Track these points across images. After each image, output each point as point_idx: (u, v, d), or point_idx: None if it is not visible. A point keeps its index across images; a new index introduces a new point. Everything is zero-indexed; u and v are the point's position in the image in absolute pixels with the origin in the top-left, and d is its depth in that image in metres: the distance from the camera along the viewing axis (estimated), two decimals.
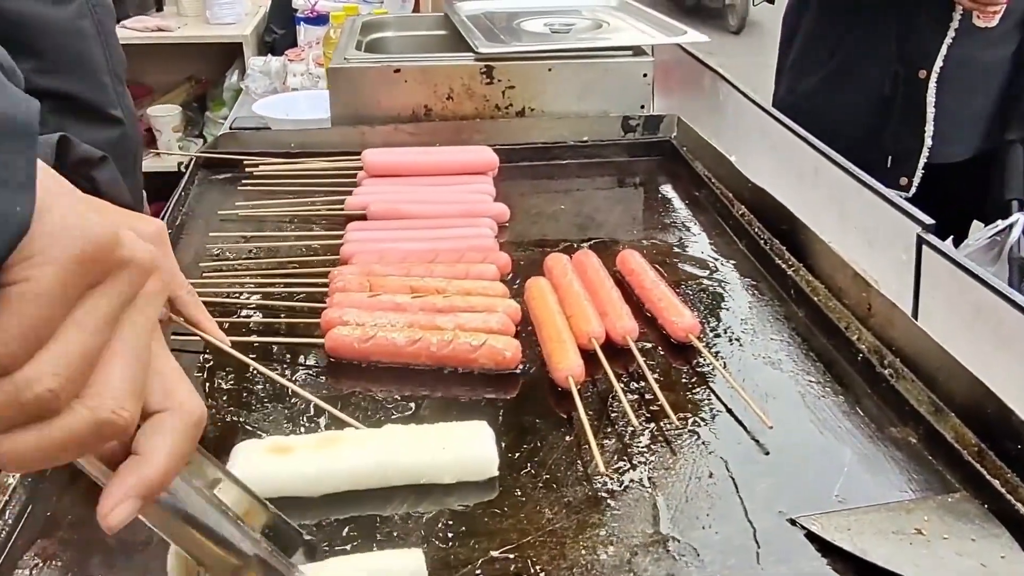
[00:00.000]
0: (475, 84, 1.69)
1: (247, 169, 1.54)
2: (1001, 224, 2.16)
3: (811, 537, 0.78)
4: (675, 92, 1.94)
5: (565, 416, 0.97)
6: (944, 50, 2.03)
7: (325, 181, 1.50)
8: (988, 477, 0.81)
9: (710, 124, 1.70)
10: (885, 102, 2.12)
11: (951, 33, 2.03)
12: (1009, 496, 0.78)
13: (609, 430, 0.94)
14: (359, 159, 1.51)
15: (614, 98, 1.71)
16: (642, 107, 1.73)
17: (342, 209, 1.41)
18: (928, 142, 2.10)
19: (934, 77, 2.05)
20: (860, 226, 1.23)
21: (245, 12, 3.75)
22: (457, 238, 1.30)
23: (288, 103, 2.54)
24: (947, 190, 2.12)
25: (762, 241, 1.29)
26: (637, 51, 1.74)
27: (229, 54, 3.79)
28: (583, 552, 0.77)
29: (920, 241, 1.08)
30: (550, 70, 1.70)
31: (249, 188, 1.51)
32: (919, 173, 2.13)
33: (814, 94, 2.20)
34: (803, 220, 1.24)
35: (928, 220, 1.09)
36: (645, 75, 1.71)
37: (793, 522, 0.80)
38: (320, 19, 3.40)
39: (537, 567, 0.76)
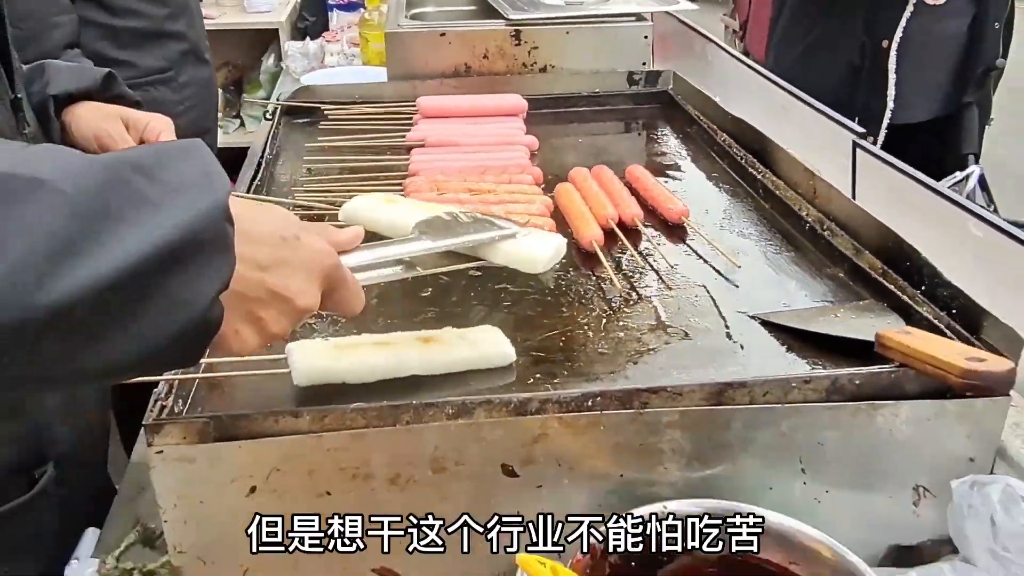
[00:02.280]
0: (506, 46, 2.04)
1: (325, 112, 1.89)
2: (959, 175, 2.50)
3: (765, 325, 1.13)
4: (672, 54, 2.29)
5: (590, 272, 1.32)
6: (903, 23, 2.37)
7: (388, 121, 1.85)
8: (887, 284, 1.16)
9: (700, 78, 2.05)
10: (855, 70, 2.46)
11: (910, 7, 2.38)
12: (899, 293, 1.13)
13: (622, 276, 1.29)
14: (414, 105, 1.87)
15: (620, 57, 2.07)
16: (643, 64, 2.08)
17: (404, 139, 1.76)
18: (890, 104, 2.44)
19: (895, 47, 2.39)
20: (814, 142, 1.58)
21: (279, 0, 4.10)
22: (499, 158, 1.66)
23: (331, 76, 2.90)
24: (910, 148, 2.45)
25: (739, 158, 1.63)
26: (639, 17, 2.10)
27: (264, 40, 4.14)
28: (605, 334, 1.12)
29: (855, 145, 1.43)
30: (568, 33, 2.06)
31: (326, 128, 1.86)
32: (883, 133, 2.47)
33: (795, 65, 2.54)
34: (771, 138, 1.59)
35: (860, 129, 1.44)
36: (646, 37, 2.07)
37: (753, 317, 1.15)
38: (351, 6, 3.75)
39: (576, 342, 1.11)
